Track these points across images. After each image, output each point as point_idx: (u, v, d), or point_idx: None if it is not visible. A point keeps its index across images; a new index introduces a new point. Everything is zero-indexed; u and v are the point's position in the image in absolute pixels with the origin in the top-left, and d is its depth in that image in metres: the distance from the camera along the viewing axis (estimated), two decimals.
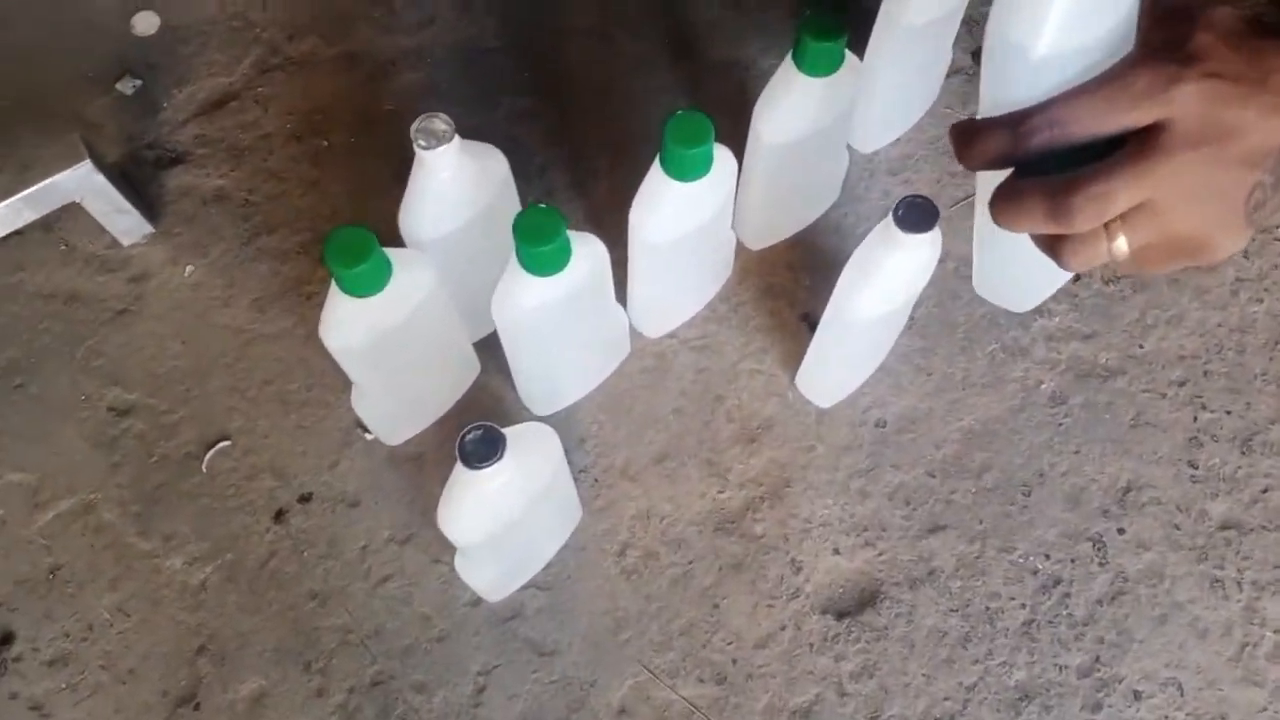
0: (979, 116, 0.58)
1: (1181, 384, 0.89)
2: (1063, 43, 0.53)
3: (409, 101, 1.00)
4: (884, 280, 0.73)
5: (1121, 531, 0.85)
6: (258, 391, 0.89)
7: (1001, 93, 0.56)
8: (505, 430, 0.65)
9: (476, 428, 0.64)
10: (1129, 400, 0.89)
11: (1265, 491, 0.86)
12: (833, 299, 0.77)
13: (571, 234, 0.69)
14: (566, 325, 0.76)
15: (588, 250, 0.73)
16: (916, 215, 0.69)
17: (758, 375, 0.89)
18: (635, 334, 0.90)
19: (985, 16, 0.56)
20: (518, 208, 0.81)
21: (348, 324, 0.71)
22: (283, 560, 0.84)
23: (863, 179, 0.97)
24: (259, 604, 0.83)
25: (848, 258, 0.74)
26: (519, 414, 0.88)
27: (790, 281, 0.93)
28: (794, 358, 0.89)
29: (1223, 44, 0.51)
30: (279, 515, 0.85)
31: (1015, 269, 0.76)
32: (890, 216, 0.69)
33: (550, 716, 0.79)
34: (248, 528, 0.85)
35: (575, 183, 0.96)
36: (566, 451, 0.81)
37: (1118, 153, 0.52)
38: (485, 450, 0.64)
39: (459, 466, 0.65)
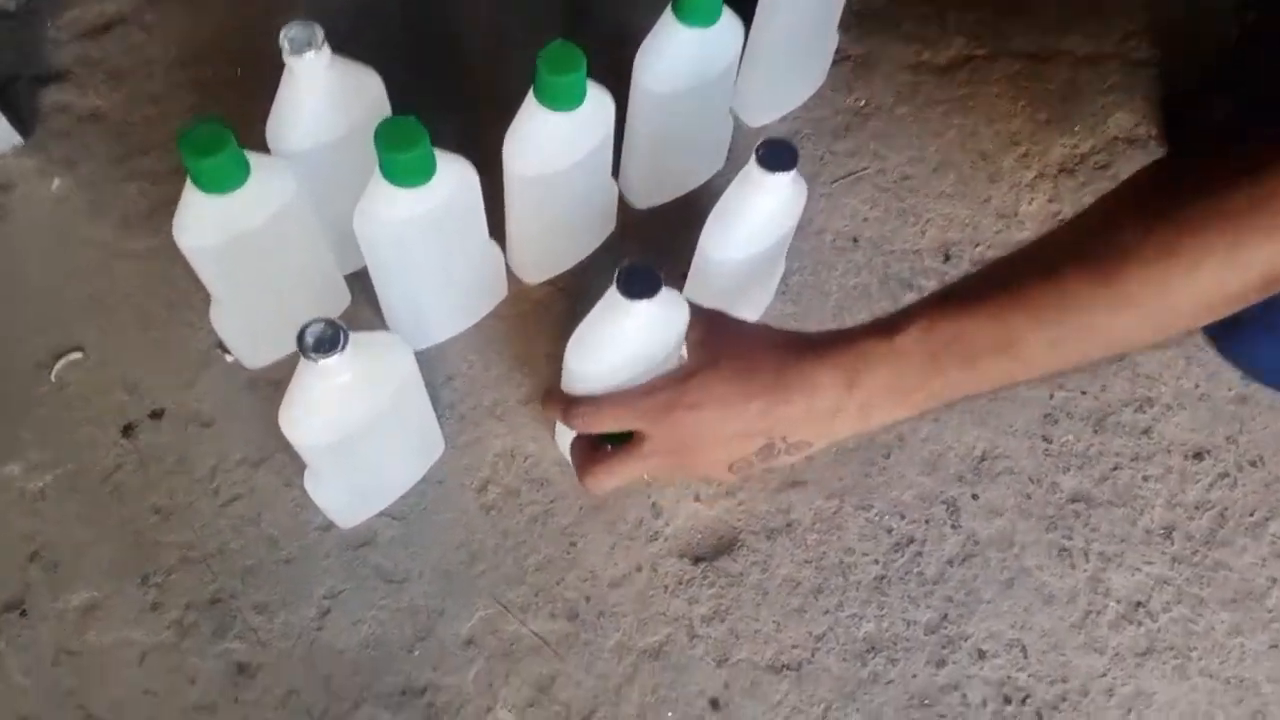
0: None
1: None
2: (614, 363, 0.69)
3: None
4: (747, 222, 0.74)
5: (975, 497, 0.87)
6: (117, 305, 0.86)
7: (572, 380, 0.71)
8: (352, 333, 0.64)
9: (319, 321, 0.63)
10: None
11: (1115, 469, 0.89)
12: (699, 244, 0.79)
13: (440, 152, 0.69)
14: (433, 249, 0.76)
15: (455, 169, 0.72)
16: (779, 155, 0.70)
17: None
18: (514, 280, 0.90)
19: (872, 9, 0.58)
20: None
21: (201, 222, 0.70)
22: (127, 474, 0.81)
23: (748, 152, 0.99)
24: (98, 515, 0.79)
25: None
26: None
27: (674, 240, 0.94)
28: None
29: (723, 372, 0.66)
30: (128, 429, 0.82)
31: None
32: (753, 157, 0.70)
33: (394, 642, 0.77)
34: (94, 439, 0.82)
35: (462, 133, 0.96)
36: (433, 388, 0.81)
37: (630, 444, 0.69)
38: (326, 342, 0.62)
39: (301, 361, 0.63)
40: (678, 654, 0.79)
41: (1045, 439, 0.89)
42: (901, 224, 0.97)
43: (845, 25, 0.99)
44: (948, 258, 0.96)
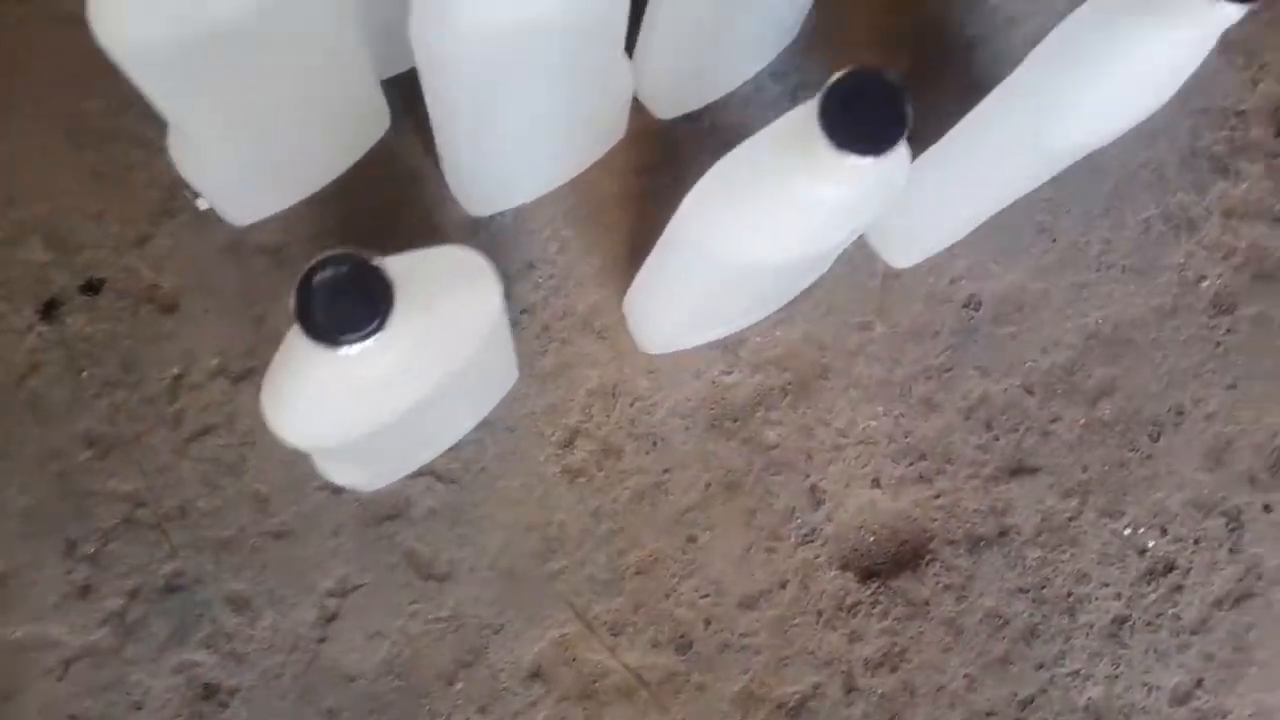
0: None
1: None
2: None
3: None
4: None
5: (1269, 509, 0.60)
6: (31, 109, 0.56)
7: None
8: (396, 265, 0.35)
9: (336, 259, 0.35)
10: None
11: None
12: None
13: None
14: (532, 70, 0.45)
15: None
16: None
17: None
18: (637, 112, 0.59)
19: None
20: None
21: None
22: (49, 379, 0.55)
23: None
24: (6, 441, 0.54)
25: (995, 45, 0.44)
26: (442, 206, 0.57)
27: (884, 57, 0.62)
28: None
29: None
30: (49, 309, 0.56)
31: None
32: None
33: (429, 668, 0.54)
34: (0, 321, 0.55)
35: None
36: (507, 280, 0.53)
37: None
38: (350, 315, 0.35)
39: (297, 335, 0.35)
40: (827, 713, 0.56)
41: None
42: (1226, 65, 0.64)
43: None
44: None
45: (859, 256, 0.60)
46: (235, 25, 0.41)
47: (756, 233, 0.40)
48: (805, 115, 0.36)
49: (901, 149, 0.36)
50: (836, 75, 0.35)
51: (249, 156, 0.52)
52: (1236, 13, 0.37)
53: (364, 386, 0.39)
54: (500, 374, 0.55)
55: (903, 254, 0.59)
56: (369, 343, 0.35)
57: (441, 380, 0.42)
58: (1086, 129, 0.44)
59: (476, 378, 0.51)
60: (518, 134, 0.51)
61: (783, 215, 0.39)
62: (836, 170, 0.36)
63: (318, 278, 0.35)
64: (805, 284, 0.56)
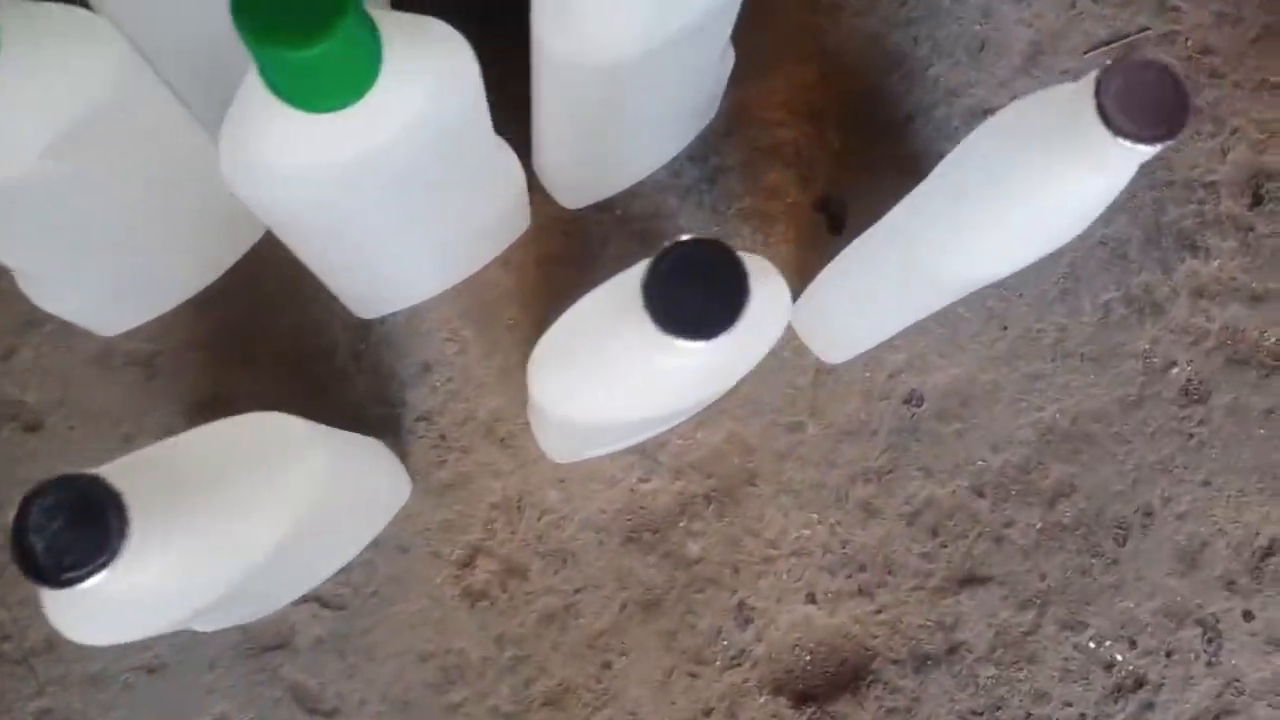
0: None
1: None
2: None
3: None
4: (1016, 227, 0.37)
5: (1249, 617, 0.55)
6: None
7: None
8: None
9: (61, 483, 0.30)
10: None
11: None
12: (888, 231, 0.43)
13: (382, 18, 0.33)
14: (391, 198, 0.40)
15: (425, 49, 0.35)
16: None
17: None
18: (543, 202, 0.55)
19: None
20: None
21: None
22: None
23: None
24: None
25: (935, 117, 0.39)
26: (327, 306, 0.53)
27: (810, 135, 0.57)
28: (797, 269, 0.54)
29: None
30: None
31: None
32: (1089, 90, 0.31)
33: None
34: None
35: None
36: (401, 384, 0.49)
37: None
38: (67, 549, 0.30)
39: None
40: None
41: None
42: (1192, 133, 0.59)
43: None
44: (1259, 200, 0.58)
45: (788, 351, 0.55)
46: (63, 143, 0.37)
47: (599, 397, 0.36)
48: (633, 285, 0.31)
49: (745, 325, 0.31)
50: (663, 247, 0.30)
51: (105, 283, 0.48)
52: (1147, 153, 0.32)
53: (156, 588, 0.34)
54: (389, 490, 0.50)
55: (833, 350, 0.54)
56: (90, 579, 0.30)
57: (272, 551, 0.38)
58: (978, 266, 0.38)
59: (357, 501, 0.47)
60: (392, 253, 0.46)
61: (623, 381, 0.35)
62: (669, 349, 0.31)
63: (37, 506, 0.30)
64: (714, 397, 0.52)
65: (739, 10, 0.44)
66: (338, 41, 0.29)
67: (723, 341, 0.30)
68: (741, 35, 0.48)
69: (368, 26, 0.31)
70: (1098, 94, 0.30)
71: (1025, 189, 0.34)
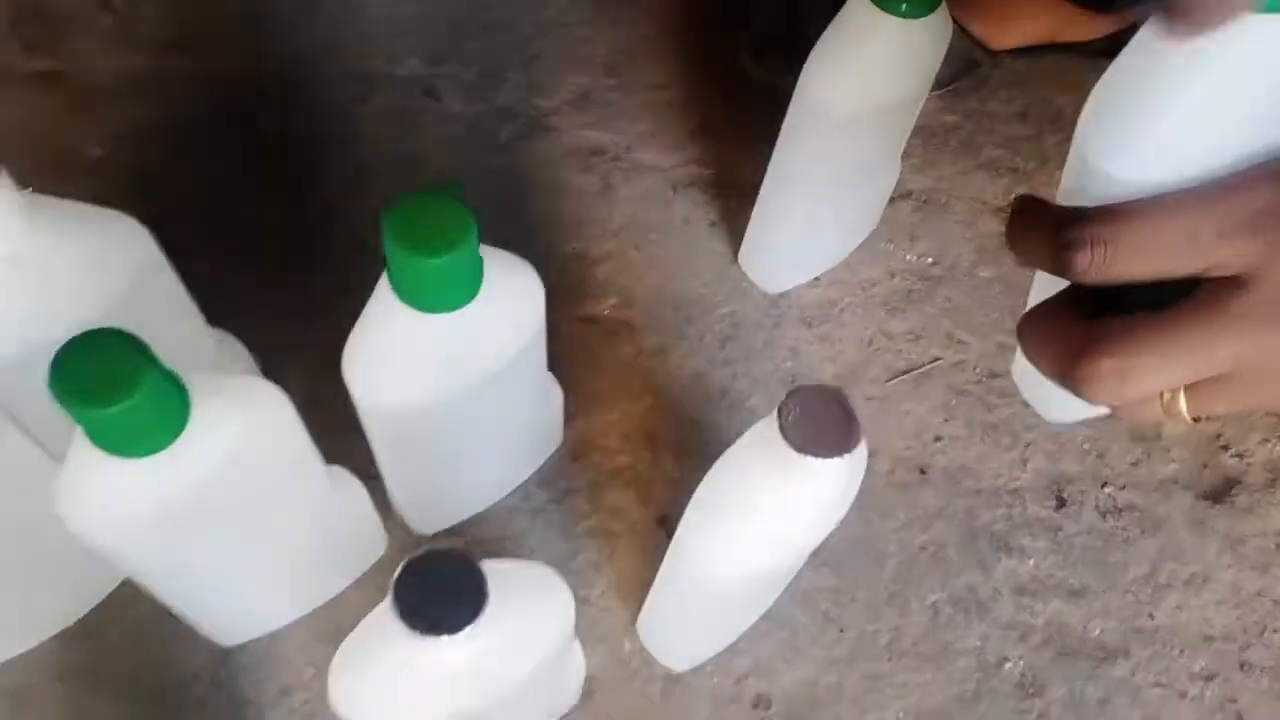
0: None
1: (1209, 678, 0.60)
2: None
3: (125, 148, 0.69)
4: (759, 525, 0.42)
5: None
6: None
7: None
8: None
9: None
10: (1132, 698, 0.59)
11: None
12: (674, 544, 0.48)
13: (196, 377, 0.38)
14: (224, 537, 0.44)
15: (234, 399, 0.41)
16: (817, 425, 0.38)
17: (581, 608, 0.58)
18: (398, 527, 0.59)
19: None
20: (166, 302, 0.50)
21: None
22: None
23: (764, 328, 0.68)
24: None
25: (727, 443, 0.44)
26: (191, 633, 0.55)
27: (647, 460, 0.63)
28: (641, 582, 0.58)
29: None
30: None
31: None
32: (774, 421, 0.38)
33: None
34: None
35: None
36: (259, 710, 0.50)
37: (1183, 304, 0.35)
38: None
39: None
40: None
41: None
42: (992, 447, 0.66)
43: (907, 149, 0.68)
44: (1062, 503, 0.64)
45: (636, 660, 0.57)
46: None
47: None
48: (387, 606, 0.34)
49: (485, 625, 0.34)
50: (408, 559, 0.34)
51: None
52: (832, 465, 0.37)
53: None
54: None
55: (676, 658, 0.57)
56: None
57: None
58: (735, 567, 0.44)
59: None
60: (237, 583, 0.50)
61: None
62: (421, 651, 0.34)
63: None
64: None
65: (571, 356, 0.50)
66: (137, 399, 0.35)
67: (477, 642, 0.33)
68: (579, 376, 0.55)
69: (170, 385, 0.37)
70: (779, 418, 0.37)
71: (756, 499, 0.41)
